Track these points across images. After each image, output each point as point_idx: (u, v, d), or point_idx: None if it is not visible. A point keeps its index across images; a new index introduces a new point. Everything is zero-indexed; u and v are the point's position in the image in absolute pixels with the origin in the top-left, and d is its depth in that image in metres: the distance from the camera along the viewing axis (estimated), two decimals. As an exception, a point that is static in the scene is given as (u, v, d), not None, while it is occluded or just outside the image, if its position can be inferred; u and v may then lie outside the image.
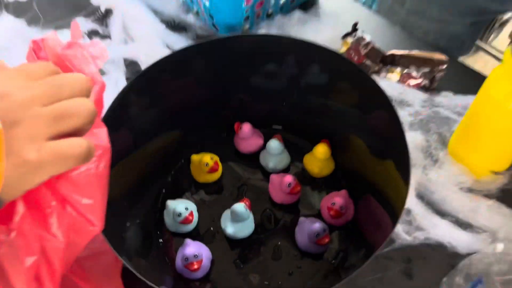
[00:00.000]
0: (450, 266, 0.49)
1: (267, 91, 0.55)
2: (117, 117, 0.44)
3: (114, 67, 0.65)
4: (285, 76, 0.52)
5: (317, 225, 0.47)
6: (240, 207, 0.48)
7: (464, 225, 0.50)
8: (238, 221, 0.49)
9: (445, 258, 0.49)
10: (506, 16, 1.26)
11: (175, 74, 0.49)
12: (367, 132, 0.49)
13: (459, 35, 0.81)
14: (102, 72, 0.64)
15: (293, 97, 0.54)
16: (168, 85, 0.49)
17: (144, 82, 0.46)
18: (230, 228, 0.49)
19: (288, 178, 0.50)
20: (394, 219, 0.40)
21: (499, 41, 1.38)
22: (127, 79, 0.64)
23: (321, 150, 0.53)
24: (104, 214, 0.34)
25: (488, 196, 0.51)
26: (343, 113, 0.50)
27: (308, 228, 0.47)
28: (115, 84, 0.62)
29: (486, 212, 0.50)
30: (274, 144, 0.54)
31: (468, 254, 0.49)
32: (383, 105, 0.43)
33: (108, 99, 0.44)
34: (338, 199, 0.49)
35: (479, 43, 1.42)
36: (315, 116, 0.54)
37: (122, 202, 0.46)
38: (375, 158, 0.48)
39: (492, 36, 1.44)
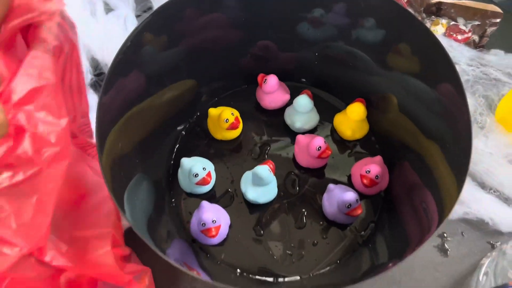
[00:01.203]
0: (490, 245, 0.45)
1: (300, 40, 0.48)
2: (129, 58, 0.37)
3: (123, 2, 0.57)
4: (330, 25, 0.45)
5: (350, 195, 0.42)
6: (263, 170, 0.43)
7: (509, 200, 0.45)
8: (260, 185, 0.44)
9: (485, 236, 0.45)
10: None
11: (204, 8, 0.42)
12: (415, 100, 0.42)
13: None
14: (109, 8, 0.57)
15: (329, 49, 0.47)
16: (193, 22, 0.42)
17: (164, 17, 0.39)
18: (251, 193, 0.44)
19: (318, 141, 0.45)
20: (439, 205, 0.35)
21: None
22: (137, 16, 0.57)
23: (357, 110, 0.47)
24: (45, 228, 0.30)
25: (539, 171, 0.46)
26: (389, 74, 0.44)
27: (339, 197, 0.43)
28: (123, 22, 0.54)
29: (536, 189, 0.45)
30: (303, 101, 0.48)
31: (510, 233, 0.44)
32: (447, 78, 0.36)
33: (119, 40, 0.38)
34: (373, 166, 0.44)
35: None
36: (352, 72, 0.48)
37: (132, 157, 0.41)
38: (420, 133, 0.42)
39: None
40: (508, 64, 0.53)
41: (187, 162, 0.45)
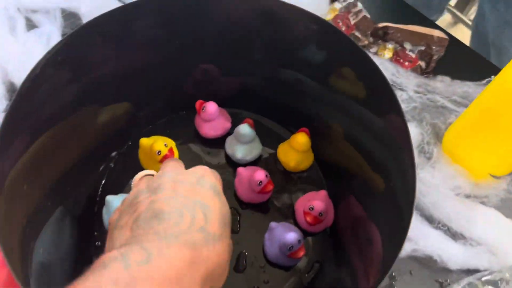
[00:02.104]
0: (438, 283, 0.43)
1: (240, 63, 0.44)
2: (36, 88, 0.33)
3: (49, 18, 0.52)
4: (266, 46, 0.42)
5: (291, 236, 0.38)
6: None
7: (457, 235, 0.44)
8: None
9: (433, 274, 0.43)
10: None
11: (118, 36, 0.38)
12: (360, 129, 0.40)
13: None
14: (32, 25, 0.51)
15: (271, 73, 0.44)
16: (104, 50, 0.38)
17: (75, 45, 0.35)
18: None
19: (259, 175, 0.41)
20: (386, 245, 0.32)
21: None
22: (63, 35, 0.52)
23: (301, 141, 0.44)
24: None
25: (486, 203, 0.45)
26: (334, 100, 0.41)
27: (280, 237, 0.39)
28: (47, 41, 0.49)
29: (483, 223, 0.43)
30: (245, 130, 0.44)
31: (459, 271, 0.43)
32: (388, 108, 0.34)
33: (33, 62, 0.34)
34: (317, 203, 0.41)
35: (459, 14, 1.36)
36: (296, 98, 0.45)
37: (44, 201, 0.36)
38: (366, 165, 0.39)
39: (473, 9, 1.38)
40: (454, 91, 0.52)
41: (112, 200, 0.40)
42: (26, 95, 0.32)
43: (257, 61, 0.44)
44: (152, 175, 0.33)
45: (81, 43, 0.35)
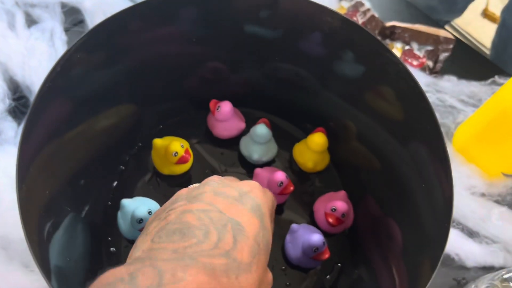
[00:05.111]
0: (456, 281, 0.43)
1: (251, 63, 0.43)
2: (58, 84, 0.31)
3: (49, 13, 0.49)
4: (305, 55, 0.41)
5: (316, 237, 0.38)
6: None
7: (473, 234, 0.44)
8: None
9: (451, 272, 0.43)
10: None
11: (156, 21, 0.36)
12: (383, 137, 0.39)
13: None
14: (32, 20, 0.49)
15: (290, 77, 0.43)
16: (140, 35, 0.37)
17: (105, 32, 0.33)
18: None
19: (280, 176, 0.40)
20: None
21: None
22: (65, 30, 0.50)
23: (318, 141, 0.43)
24: None
25: (500, 202, 0.45)
26: (362, 114, 0.41)
27: (304, 240, 0.38)
28: (49, 37, 0.47)
29: (497, 221, 0.44)
30: (262, 131, 0.43)
31: (476, 268, 0.43)
32: (425, 137, 0.34)
33: (45, 57, 0.32)
34: (339, 203, 0.40)
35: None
36: (313, 99, 0.44)
37: (59, 201, 0.34)
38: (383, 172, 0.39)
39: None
40: (461, 90, 0.53)
41: (128, 204, 0.38)
42: (44, 98, 0.30)
43: (276, 64, 0.43)
44: None
45: (96, 42, 0.33)
